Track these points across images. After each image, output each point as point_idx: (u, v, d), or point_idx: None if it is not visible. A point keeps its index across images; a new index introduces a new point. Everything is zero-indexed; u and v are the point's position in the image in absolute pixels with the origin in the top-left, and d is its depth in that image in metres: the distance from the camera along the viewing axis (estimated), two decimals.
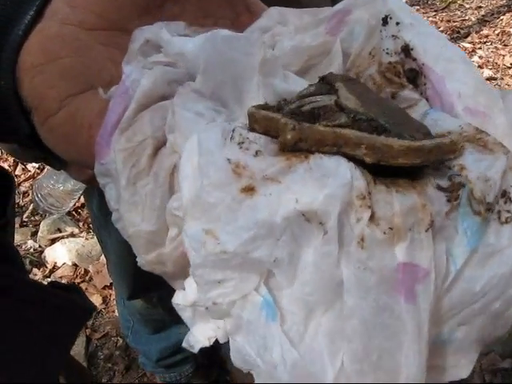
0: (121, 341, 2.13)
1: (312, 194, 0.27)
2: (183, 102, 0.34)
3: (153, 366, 1.76)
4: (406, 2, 5.24)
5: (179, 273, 0.33)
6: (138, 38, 0.37)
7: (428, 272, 0.27)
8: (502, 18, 4.78)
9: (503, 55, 4.15)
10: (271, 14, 0.40)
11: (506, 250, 0.29)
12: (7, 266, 0.50)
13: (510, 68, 3.99)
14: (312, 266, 0.27)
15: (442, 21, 4.88)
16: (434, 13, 5.10)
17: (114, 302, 2.26)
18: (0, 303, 0.43)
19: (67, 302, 0.50)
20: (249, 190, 0.28)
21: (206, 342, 0.32)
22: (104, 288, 2.32)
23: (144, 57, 0.37)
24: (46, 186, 2.47)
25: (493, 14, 4.87)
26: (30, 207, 2.76)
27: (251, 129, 0.32)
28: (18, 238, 2.55)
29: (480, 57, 4.16)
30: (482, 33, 4.56)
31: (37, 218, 2.74)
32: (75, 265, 2.42)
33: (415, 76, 0.37)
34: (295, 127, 0.30)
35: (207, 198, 0.29)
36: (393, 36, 0.37)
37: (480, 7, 5.06)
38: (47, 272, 2.40)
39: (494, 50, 4.25)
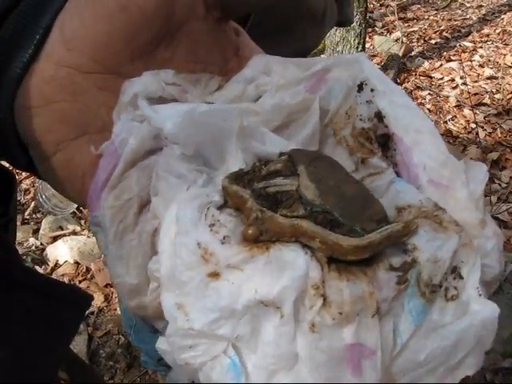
0: (123, 339, 2.14)
1: (270, 285, 0.31)
2: (167, 164, 0.37)
3: (155, 365, 1.77)
4: (406, 1, 5.24)
5: (159, 317, 0.36)
6: (127, 90, 0.39)
7: (374, 351, 0.31)
8: (503, 17, 4.78)
9: (504, 54, 4.15)
10: (256, 63, 0.41)
11: (448, 325, 0.32)
12: (8, 254, 0.50)
13: (510, 67, 3.99)
14: (272, 342, 0.31)
15: (443, 19, 4.88)
16: (435, 11, 5.10)
17: (116, 300, 2.27)
18: (1, 289, 0.43)
19: (68, 290, 0.51)
20: (214, 275, 0.32)
21: (186, 381, 0.36)
22: (106, 286, 2.33)
23: (134, 108, 0.39)
24: (50, 187, 2.47)
25: (494, 13, 4.87)
26: (32, 205, 2.76)
27: (225, 201, 0.36)
28: (19, 236, 2.55)
29: (481, 56, 4.16)
30: (482, 32, 4.56)
31: (38, 215, 2.75)
32: (77, 263, 2.42)
33: (387, 141, 0.38)
34: (258, 217, 0.33)
35: (180, 277, 0.32)
36: (367, 102, 0.39)
37: (481, 6, 5.05)
38: (49, 270, 2.41)
39: (495, 49, 4.26)
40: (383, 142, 0.38)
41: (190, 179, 0.36)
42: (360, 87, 0.39)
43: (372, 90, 0.38)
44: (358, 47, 3.62)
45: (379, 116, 0.38)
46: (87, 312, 2.20)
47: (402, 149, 0.37)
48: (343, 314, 0.30)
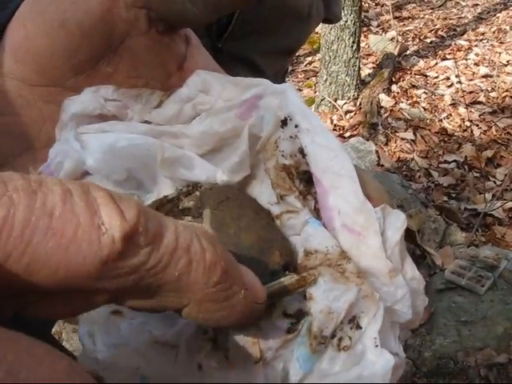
0: None
1: (165, 329, 0.34)
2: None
3: None
4: (402, 0, 5.24)
5: None
6: (66, 109, 0.39)
7: None
8: (498, 15, 4.79)
9: (499, 53, 4.16)
10: (194, 82, 0.41)
11: (338, 374, 0.33)
12: None
13: (506, 65, 4.00)
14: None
15: (438, 18, 4.89)
16: (430, 10, 5.11)
17: None
18: None
19: None
20: (117, 312, 0.35)
21: None
22: None
23: (75, 125, 0.39)
24: None
25: (489, 12, 4.88)
26: None
27: None
28: None
29: (476, 54, 4.17)
30: (478, 30, 4.57)
31: None
32: None
33: (309, 177, 0.38)
34: None
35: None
36: (291, 137, 0.38)
37: (476, 5, 5.06)
38: None
39: (491, 47, 4.27)
40: (306, 178, 0.38)
41: None
42: (284, 122, 0.38)
43: (296, 126, 0.38)
44: (352, 46, 3.63)
45: (303, 152, 0.38)
46: None
47: (319, 191, 0.37)
48: (229, 358, 0.32)
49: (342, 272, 0.34)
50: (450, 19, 4.83)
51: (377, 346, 0.33)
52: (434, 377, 1.89)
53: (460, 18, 4.84)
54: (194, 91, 0.41)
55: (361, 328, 0.34)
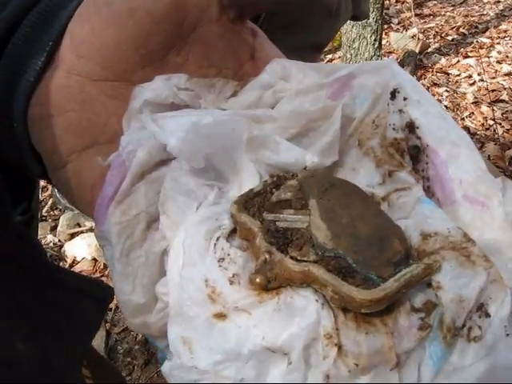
0: (140, 335, 2.15)
1: (278, 331, 0.29)
2: (174, 180, 0.35)
3: None
4: None
5: (162, 336, 0.36)
6: (137, 96, 0.37)
7: None
8: None
9: None
10: (273, 68, 0.40)
11: (467, 368, 0.30)
12: (30, 249, 0.50)
13: None
14: None
15: (459, 15, 4.83)
16: (451, 7, 5.06)
17: None
18: (18, 280, 0.43)
19: (89, 283, 0.51)
20: (221, 316, 0.31)
21: None
22: None
23: (150, 111, 0.38)
24: None
25: (511, 9, 4.82)
26: (49, 202, 2.78)
27: (234, 227, 0.34)
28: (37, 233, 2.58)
29: (499, 52, 4.11)
30: (500, 28, 4.51)
31: (56, 212, 2.76)
32: (94, 259, 2.44)
33: (418, 153, 0.36)
34: (266, 260, 0.31)
35: (187, 311, 0.31)
36: (399, 111, 0.36)
37: (498, 2, 4.99)
38: (67, 266, 2.42)
39: None
40: (414, 154, 0.36)
41: (199, 196, 0.35)
42: (393, 95, 0.37)
43: (405, 99, 0.36)
44: (374, 44, 3.60)
45: (411, 126, 0.36)
46: None
47: (436, 162, 0.35)
48: (360, 365, 0.29)
49: (467, 256, 0.32)
50: (472, 16, 4.77)
51: (508, 335, 0.31)
52: None
53: (482, 15, 4.78)
54: (274, 78, 0.39)
55: (489, 316, 0.31)
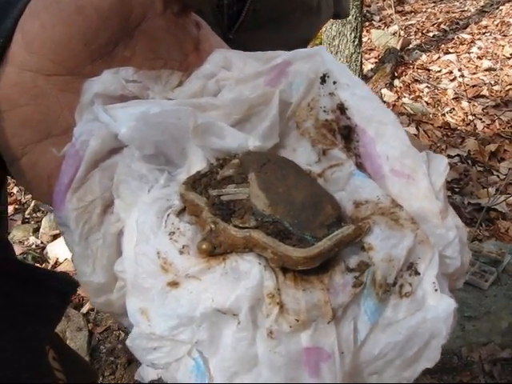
0: (123, 334, 2.15)
1: (226, 294, 0.32)
2: (127, 166, 0.37)
3: None
4: None
5: (125, 314, 0.37)
6: (87, 90, 0.39)
7: (330, 354, 0.32)
8: (501, 8, 4.76)
9: (503, 46, 4.13)
10: (215, 59, 0.42)
11: (401, 321, 0.33)
12: None
13: (509, 58, 3.97)
14: (230, 347, 0.32)
15: (440, 12, 4.87)
16: (432, 4, 5.09)
17: None
18: None
19: (49, 276, 0.52)
20: (174, 284, 0.33)
21: (155, 376, 0.37)
22: None
23: (100, 103, 0.39)
24: None
25: (492, 5, 4.85)
26: (32, 204, 2.77)
27: (184, 206, 0.36)
28: (20, 235, 2.57)
29: (479, 48, 4.15)
30: (481, 23, 4.54)
31: (39, 214, 2.75)
32: None
33: (349, 132, 0.39)
34: (211, 229, 0.34)
35: (142, 284, 0.34)
36: (330, 94, 0.39)
37: None
38: (50, 267, 2.42)
39: (494, 40, 4.24)
40: (345, 133, 0.39)
41: (150, 179, 0.37)
42: (323, 79, 0.39)
43: (334, 83, 0.39)
44: (354, 41, 3.61)
45: (342, 108, 0.38)
46: (87, 309, 2.22)
47: (365, 140, 0.38)
48: (300, 321, 0.31)
49: (396, 219, 0.35)
50: (453, 13, 4.81)
51: (436, 290, 0.34)
52: (438, 373, 1.88)
53: (463, 11, 4.82)
54: (216, 67, 0.42)
55: (419, 274, 0.34)
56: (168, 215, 0.35)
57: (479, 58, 4.02)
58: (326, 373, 0.31)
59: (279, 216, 0.33)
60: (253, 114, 0.39)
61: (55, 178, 0.38)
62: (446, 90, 3.70)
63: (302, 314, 0.31)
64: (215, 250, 0.34)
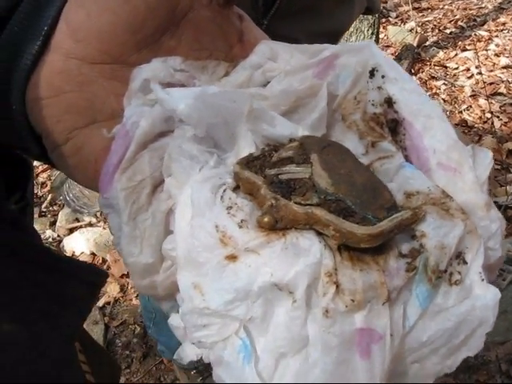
0: (138, 328, 2.16)
1: (285, 269, 0.32)
2: (178, 146, 0.38)
3: (172, 355, 1.78)
4: None
5: (168, 296, 0.38)
6: (137, 76, 0.40)
7: (382, 336, 0.32)
8: None
9: None
10: (262, 50, 0.42)
11: (451, 308, 0.34)
12: (20, 234, 0.51)
13: None
14: (283, 325, 0.32)
15: (458, 9, 4.83)
16: (449, 1, 5.04)
17: (132, 291, 2.29)
18: (8, 264, 0.44)
19: (81, 267, 0.52)
20: (232, 257, 0.33)
21: (194, 357, 0.37)
22: (122, 277, 2.35)
23: (144, 94, 0.40)
24: (77, 185, 2.50)
25: (510, 2, 4.80)
26: (49, 198, 2.79)
27: (236, 185, 0.37)
28: (36, 228, 2.58)
29: (497, 45, 4.11)
30: (498, 20, 4.50)
31: (55, 208, 2.77)
32: (93, 254, 2.45)
33: (396, 126, 0.40)
34: (272, 205, 0.34)
35: (197, 258, 0.34)
36: (378, 88, 0.40)
37: None
38: None
39: (511, 37, 4.21)
40: (393, 127, 0.40)
41: (201, 160, 0.38)
42: (371, 73, 0.40)
43: (383, 77, 0.39)
44: (371, 37, 3.60)
45: (389, 102, 0.39)
46: (103, 303, 2.23)
47: (412, 134, 0.38)
48: (355, 301, 0.32)
49: (446, 209, 0.35)
50: (470, 9, 4.76)
51: (483, 280, 0.34)
52: (454, 372, 1.88)
53: (480, 8, 4.77)
54: (263, 59, 0.42)
55: (466, 263, 0.35)
56: (224, 191, 0.36)
57: (497, 55, 3.99)
58: (377, 355, 0.32)
59: (342, 195, 0.34)
60: (300, 105, 0.40)
61: (102, 161, 0.39)
62: (463, 87, 3.67)
63: (358, 294, 0.32)
64: (276, 224, 0.34)
